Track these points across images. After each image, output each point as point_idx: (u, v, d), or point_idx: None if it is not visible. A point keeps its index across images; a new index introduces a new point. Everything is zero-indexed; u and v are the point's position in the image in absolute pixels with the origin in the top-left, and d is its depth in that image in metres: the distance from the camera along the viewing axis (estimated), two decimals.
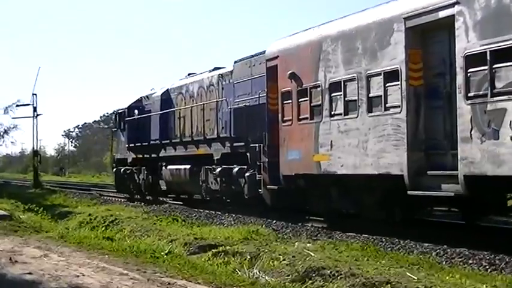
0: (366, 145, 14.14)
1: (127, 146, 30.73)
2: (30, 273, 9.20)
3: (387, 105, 13.54)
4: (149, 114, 28.55)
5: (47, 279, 8.76)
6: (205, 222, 18.27)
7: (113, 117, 35.58)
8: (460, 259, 11.23)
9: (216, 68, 24.85)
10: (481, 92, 11.22)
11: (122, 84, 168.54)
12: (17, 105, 44.53)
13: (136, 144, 29.59)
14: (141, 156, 29.50)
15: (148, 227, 15.83)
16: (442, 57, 12.53)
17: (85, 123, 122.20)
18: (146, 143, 28.47)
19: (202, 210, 21.37)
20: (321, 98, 15.76)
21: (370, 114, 14.08)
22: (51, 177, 75.32)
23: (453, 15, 11.86)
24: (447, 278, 8.60)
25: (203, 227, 15.43)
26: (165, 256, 11.09)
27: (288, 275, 9.48)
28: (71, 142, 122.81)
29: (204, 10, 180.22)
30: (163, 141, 26.89)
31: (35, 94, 45.61)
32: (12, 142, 44.74)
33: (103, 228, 16.53)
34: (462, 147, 11.58)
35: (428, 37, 12.82)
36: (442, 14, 12.20)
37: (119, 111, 32.24)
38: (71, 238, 13.83)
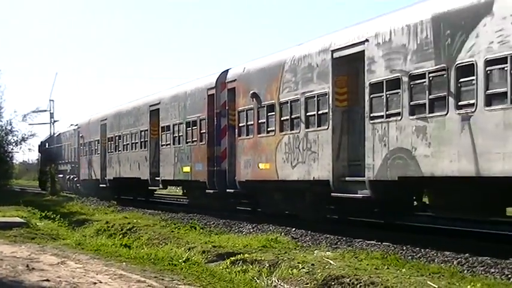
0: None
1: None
2: (47, 280, 9.02)
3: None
4: (52, 146, 49.41)
5: (64, 286, 8.64)
6: (224, 230, 17.90)
7: (38, 144, 53.16)
8: (482, 268, 10.82)
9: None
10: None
11: (145, 85, 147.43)
12: (33, 112, 45.15)
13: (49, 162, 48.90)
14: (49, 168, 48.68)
15: (166, 235, 15.86)
16: None
17: None
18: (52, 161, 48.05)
19: (220, 219, 20.44)
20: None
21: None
22: None
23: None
24: (468, 287, 8.43)
25: (221, 235, 15.36)
26: (183, 264, 10.95)
27: (307, 284, 9.33)
28: None
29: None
30: (58, 161, 47.09)
31: (52, 100, 50.96)
32: (29, 149, 47.04)
33: (120, 236, 16.73)
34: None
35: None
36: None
37: (42, 142, 52.06)
38: (88, 245, 13.71)
